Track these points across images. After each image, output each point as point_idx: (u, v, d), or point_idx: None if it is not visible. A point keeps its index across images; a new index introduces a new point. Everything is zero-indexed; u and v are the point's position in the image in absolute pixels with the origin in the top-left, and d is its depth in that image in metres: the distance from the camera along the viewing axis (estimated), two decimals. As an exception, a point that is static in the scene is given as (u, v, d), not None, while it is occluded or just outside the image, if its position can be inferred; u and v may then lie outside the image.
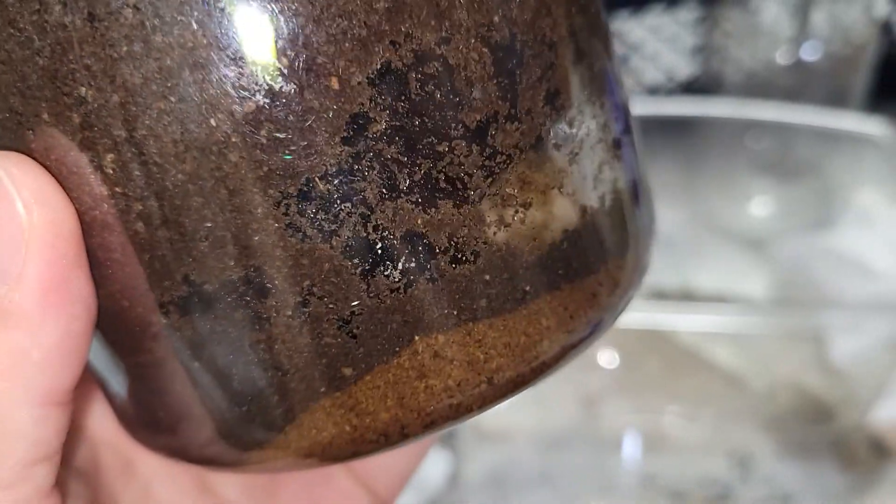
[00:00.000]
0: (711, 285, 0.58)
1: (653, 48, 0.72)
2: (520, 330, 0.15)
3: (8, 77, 0.14)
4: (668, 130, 0.57)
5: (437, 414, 0.15)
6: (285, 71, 0.13)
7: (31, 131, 0.14)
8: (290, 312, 0.14)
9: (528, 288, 0.15)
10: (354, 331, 0.15)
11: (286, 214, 0.14)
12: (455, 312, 0.15)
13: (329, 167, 0.14)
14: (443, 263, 0.15)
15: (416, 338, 0.15)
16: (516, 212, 0.15)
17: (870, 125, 0.54)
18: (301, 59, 0.13)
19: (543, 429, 0.51)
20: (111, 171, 0.14)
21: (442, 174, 0.14)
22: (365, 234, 0.14)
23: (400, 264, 0.14)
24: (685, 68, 0.71)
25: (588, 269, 0.16)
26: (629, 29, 0.71)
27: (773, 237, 0.57)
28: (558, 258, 0.16)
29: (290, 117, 0.13)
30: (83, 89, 0.13)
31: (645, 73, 0.73)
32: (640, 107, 0.57)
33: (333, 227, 0.14)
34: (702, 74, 0.70)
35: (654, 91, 0.72)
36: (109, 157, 0.14)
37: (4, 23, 0.13)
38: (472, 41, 0.14)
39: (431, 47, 0.14)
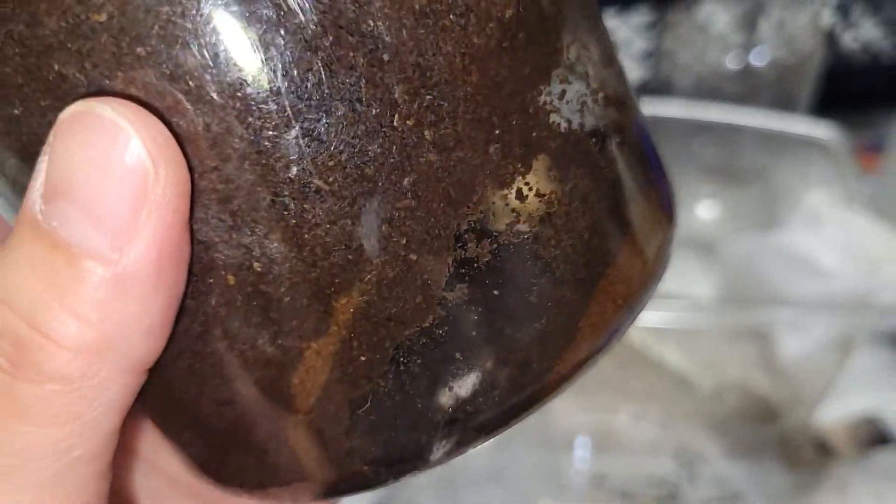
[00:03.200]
0: (660, 287, 0.58)
1: (604, 51, 0.72)
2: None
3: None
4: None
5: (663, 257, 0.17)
6: None
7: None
8: (568, 185, 0.15)
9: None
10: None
11: (549, 104, 0.15)
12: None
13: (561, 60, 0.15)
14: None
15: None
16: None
17: (817, 129, 0.55)
18: None
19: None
20: (404, 102, 0.13)
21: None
22: (587, 107, 0.16)
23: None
24: (635, 72, 0.72)
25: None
26: (581, 31, 0.71)
27: (721, 239, 0.58)
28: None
29: (534, 19, 0.15)
30: (372, 22, 0.13)
31: (595, 76, 0.73)
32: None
33: (575, 109, 0.15)
34: (652, 78, 0.71)
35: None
36: (400, 88, 0.13)
37: None
38: None
39: None
